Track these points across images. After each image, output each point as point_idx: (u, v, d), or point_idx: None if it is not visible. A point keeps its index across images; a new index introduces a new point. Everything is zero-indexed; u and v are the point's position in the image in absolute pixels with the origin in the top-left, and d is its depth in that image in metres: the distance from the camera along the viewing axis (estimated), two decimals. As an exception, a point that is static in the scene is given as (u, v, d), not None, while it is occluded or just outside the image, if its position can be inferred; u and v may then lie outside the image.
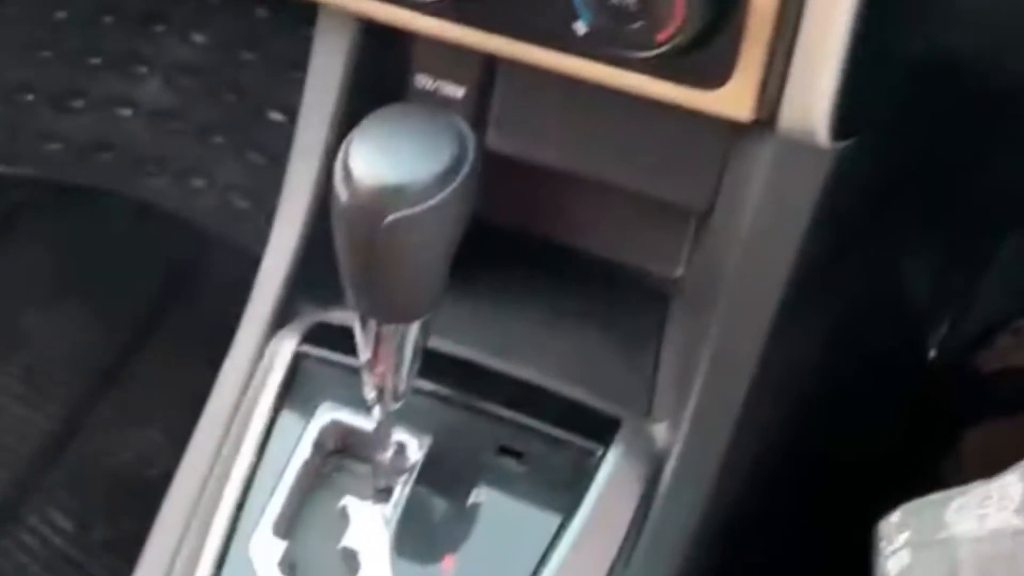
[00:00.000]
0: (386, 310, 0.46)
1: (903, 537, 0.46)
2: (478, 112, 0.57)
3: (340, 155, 0.43)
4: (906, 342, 0.76)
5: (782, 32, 0.47)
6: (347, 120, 0.56)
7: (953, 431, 0.74)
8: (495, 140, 0.57)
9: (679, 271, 0.60)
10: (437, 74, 0.57)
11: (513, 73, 0.55)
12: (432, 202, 0.42)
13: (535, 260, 0.62)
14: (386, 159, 0.42)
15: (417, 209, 0.41)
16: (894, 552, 0.45)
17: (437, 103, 0.57)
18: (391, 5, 0.50)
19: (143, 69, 1.03)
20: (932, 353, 0.76)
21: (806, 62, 0.47)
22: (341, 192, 0.43)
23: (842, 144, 0.49)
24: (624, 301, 0.60)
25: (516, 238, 0.62)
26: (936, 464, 0.73)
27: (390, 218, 0.41)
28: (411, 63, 0.58)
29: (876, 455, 0.71)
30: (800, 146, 0.49)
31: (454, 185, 0.42)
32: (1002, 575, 0.42)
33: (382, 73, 0.58)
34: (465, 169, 0.43)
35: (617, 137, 0.56)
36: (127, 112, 1.05)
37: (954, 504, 0.45)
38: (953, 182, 0.64)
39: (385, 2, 0.51)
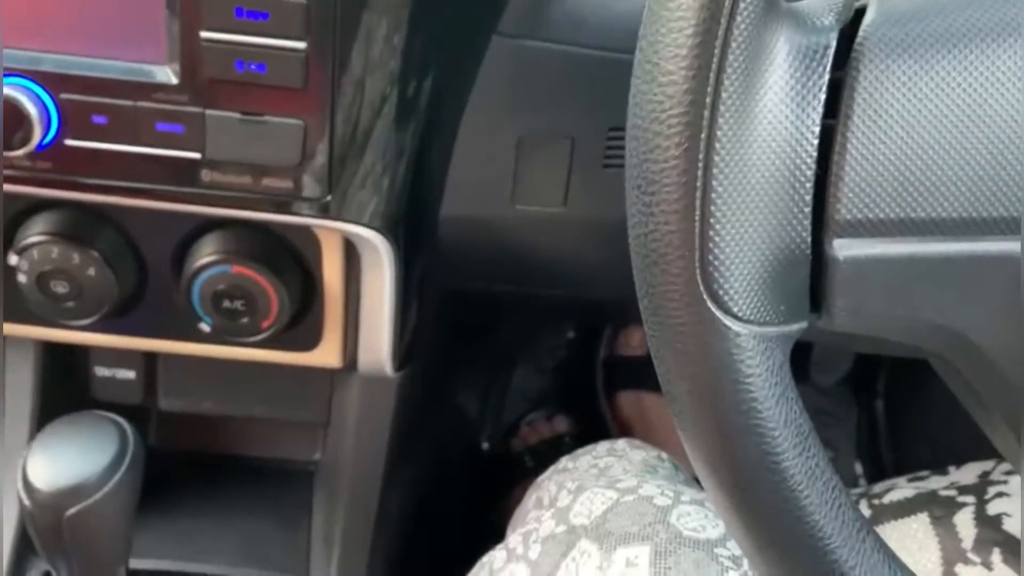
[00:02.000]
0: (82, 573, 0.60)
1: None
2: (148, 386, 0.74)
3: (19, 468, 0.57)
4: (470, 443, 1.16)
5: (348, 317, 0.67)
6: (45, 413, 0.72)
7: (503, 491, 1.09)
8: (165, 402, 0.75)
9: (317, 455, 0.81)
10: (111, 364, 0.73)
11: (169, 356, 0.72)
12: (103, 492, 0.57)
13: (213, 472, 0.81)
14: (58, 466, 0.56)
15: (91, 501, 0.56)
16: None
17: (116, 385, 0.73)
18: (59, 330, 0.66)
19: None
20: (485, 446, 1.18)
21: (369, 332, 0.67)
22: (24, 498, 0.56)
23: (402, 372, 0.70)
24: (282, 489, 0.81)
25: (198, 458, 0.81)
26: (498, 512, 1.06)
27: (70, 512, 0.56)
28: (90, 358, 0.74)
29: (460, 515, 1.04)
30: (377, 376, 0.70)
31: (119, 474, 0.58)
32: None
33: (69, 368, 0.74)
34: (127, 459, 0.58)
35: (255, 385, 0.75)
36: None
37: None
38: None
39: (54, 328, 0.66)
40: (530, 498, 0.70)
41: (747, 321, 0.37)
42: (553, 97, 0.63)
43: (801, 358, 1.24)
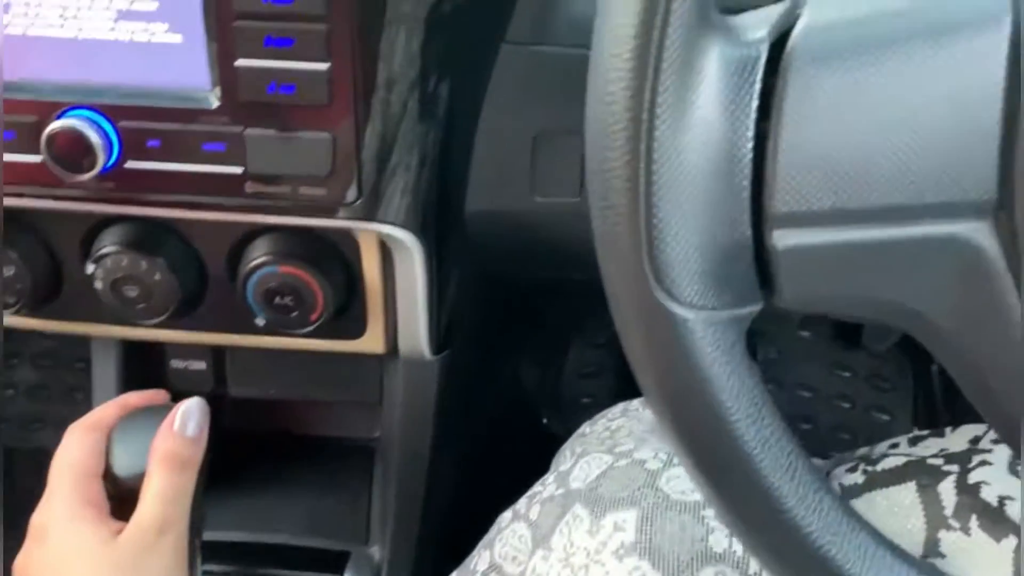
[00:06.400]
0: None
1: None
2: (218, 376, 0.82)
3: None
4: (531, 420, 1.19)
5: (389, 307, 0.73)
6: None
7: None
8: (235, 390, 0.82)
9: (377, 433, 0.87)
10: (184, 357, 0.81)
11: (235, 348, 0.80)
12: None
13: (282, 451, 0.88)
14: (134, 452, 0.62)
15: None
16: None
17: (189, 376, 0.81)
18: (133, 328, 0.74)
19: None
20: (545, 421, 1.21)
21: (406, 320, 0.74)
22: (108, 485, 0.63)
23: (442, 355, 0.76)
24: (345, 465, 0.88)
25: (268, 438, 0.88)
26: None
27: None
28: (166, 352, 0.82)
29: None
30: (419, 359, 0.76)
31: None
32: None
33: (148, 362, 0.82)
34: None
35: (313, 371, 0.82)
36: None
37: None
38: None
39: (131, 327, 0.74)
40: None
41: (695, 307, 0.41)
42: (563, 97, 0.66)
43: (852, 324, 1.25)
